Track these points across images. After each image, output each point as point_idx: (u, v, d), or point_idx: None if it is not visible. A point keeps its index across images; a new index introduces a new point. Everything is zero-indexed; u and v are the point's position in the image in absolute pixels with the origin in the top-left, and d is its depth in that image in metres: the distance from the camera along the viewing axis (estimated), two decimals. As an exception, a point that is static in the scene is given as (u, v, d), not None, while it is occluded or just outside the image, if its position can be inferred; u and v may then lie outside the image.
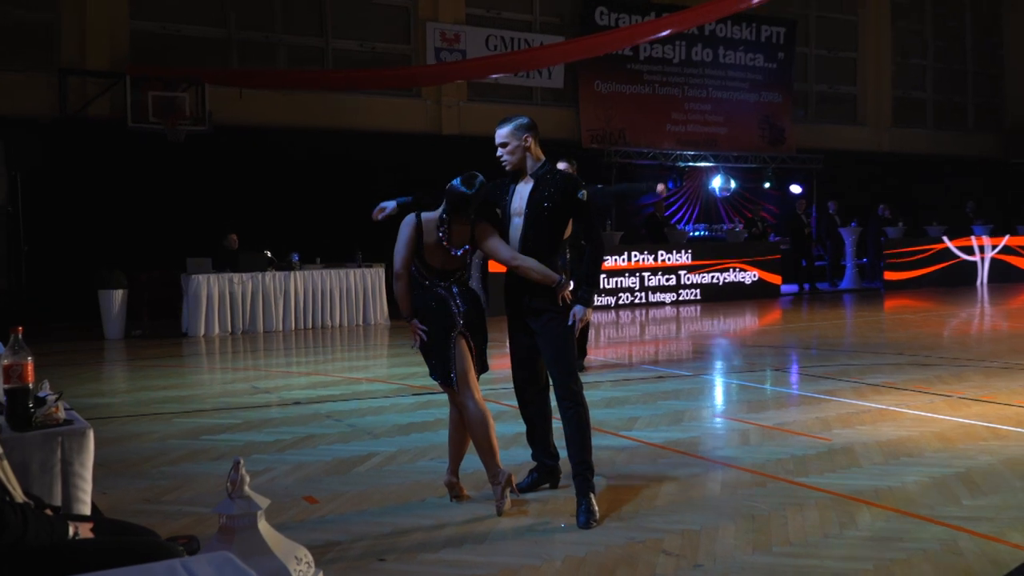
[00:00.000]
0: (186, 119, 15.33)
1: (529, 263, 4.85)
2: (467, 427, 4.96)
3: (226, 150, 16.40)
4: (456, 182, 4.82)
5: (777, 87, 22.75)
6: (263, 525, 3.38)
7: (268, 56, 17.78)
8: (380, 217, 5.15)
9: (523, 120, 4.98)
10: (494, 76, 18.73)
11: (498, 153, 4.99)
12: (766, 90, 22.58)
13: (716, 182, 22.02)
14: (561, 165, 9.19)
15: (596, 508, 4.71)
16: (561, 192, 4.87)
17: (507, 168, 5.00)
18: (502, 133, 4.96)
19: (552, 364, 4.95)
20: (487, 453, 4.89)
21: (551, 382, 5.06)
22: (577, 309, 4.87)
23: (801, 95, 23.74)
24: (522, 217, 4.93)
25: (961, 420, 6.96)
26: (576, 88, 20.37)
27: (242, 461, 3.40)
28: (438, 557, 4.26)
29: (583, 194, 4.88)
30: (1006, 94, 26.88)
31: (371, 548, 4.39)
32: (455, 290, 4.93)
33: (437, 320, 4.89)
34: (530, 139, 4.95)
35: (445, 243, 4.86)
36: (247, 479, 3.39)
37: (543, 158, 5.02)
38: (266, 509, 3.42)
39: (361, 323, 14.82)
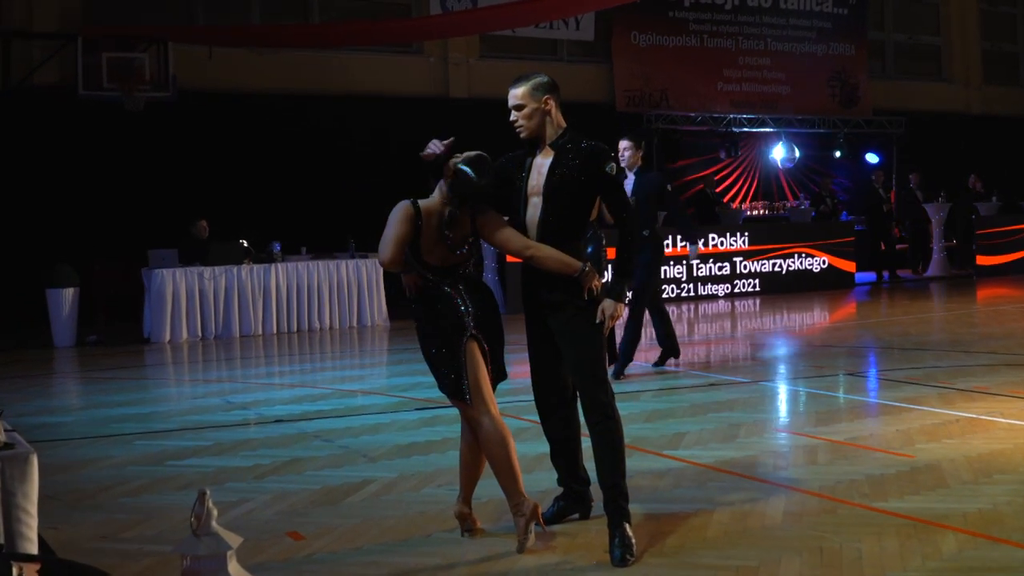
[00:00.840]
0: (146, 84, 15.33)
1: (544, 251, 4.82)
2: (482, 448, 4.92)
3: (193, 120, 16.43)
4: (465, 167, 4.74)
5: (849, 37, 22.60)
6: (234, 567, 3.38)
7: (241, 8, 17.81)
8: (433, 156, 4.82)
9: (542, 78, 4.95)
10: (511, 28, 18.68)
11: (512, 117, 4.96)
12: (836, 41, 22.44)
13: (777, 151, 21.87)
14: (623, 144, 9.17)
15: (633, 541, 4.68)
16: (585, 165, 4.84)
17: (522, 136, 4.97)
18: (517, 93, 4.93)
19: (575, 369, 4.94)
20: (507, 478, 4.83)
21: (577, 392, 5.04)
22: (606, 304, 4.83)
23: (877, 46, 23.57)
24: (540, 196, 4.90)
25: (1069, 432, 6.92)
26: (609, 41, 20.31)
27: (208, 492, 3.40)
28: (446, 602, 4.27)
29: (612, 167, 4.86)
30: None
31: (366, 592, 4.39)
32: (461, 287, 4.89)
33: (443, 323, 4.85)
34: (551, 102, 4.93)
35: (448, 243, 4.83)
36: (215, 513, 3.39)
37: (564, 125, 4.99)
38: (240, 548, 3.42)
39: (355, 324, 14.83)
